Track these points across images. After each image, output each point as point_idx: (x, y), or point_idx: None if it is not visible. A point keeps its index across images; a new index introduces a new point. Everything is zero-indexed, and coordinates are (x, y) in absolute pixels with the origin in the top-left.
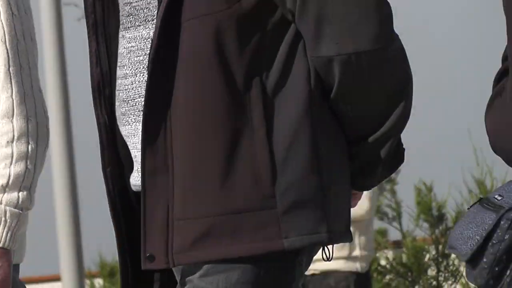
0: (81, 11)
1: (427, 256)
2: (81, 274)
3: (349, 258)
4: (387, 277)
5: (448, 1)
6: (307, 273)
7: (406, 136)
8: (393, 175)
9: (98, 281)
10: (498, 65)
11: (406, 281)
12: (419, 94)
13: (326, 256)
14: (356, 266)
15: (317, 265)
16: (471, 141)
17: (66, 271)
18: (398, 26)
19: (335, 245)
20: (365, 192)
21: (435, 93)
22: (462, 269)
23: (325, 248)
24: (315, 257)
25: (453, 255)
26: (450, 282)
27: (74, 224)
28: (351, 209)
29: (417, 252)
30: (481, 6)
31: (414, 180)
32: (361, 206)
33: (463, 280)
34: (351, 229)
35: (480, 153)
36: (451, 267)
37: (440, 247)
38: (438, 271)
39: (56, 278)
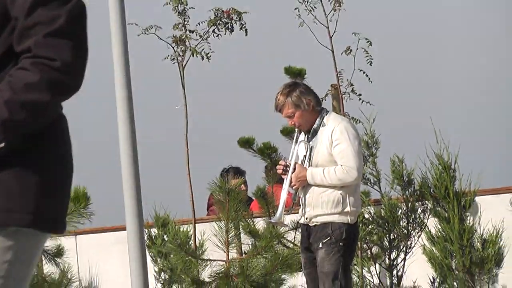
0: (141, 28)
1: (400, 211)
2: (141, 224)
3: (342, 213)
4: (370, 226)
5: None
6: (310, 223)
7: (381, 122)
8: (373, 150)
9: (154, 230)
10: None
11: (384, 230)
12: (395, 90)
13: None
14: (347, 219)
15: (319, 218)
16: (433, 125)
17: (130, 223)
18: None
19: (332, 201)
20: (355, 165)
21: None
22: (426, 221)
23: None
24: (317, 212)
25: (420, 209)
26: (417, 230)
27: (136, 186)
28: (344, 176)
29: (392, 208)
30: None
31: (390, 155)
32: (351, 174)
33: (426, 229)
34: (343, 193)
35: (439, 134)
36: (417, 219)
37: (410, 204)
38: (408, 222)
39: (123, 228)
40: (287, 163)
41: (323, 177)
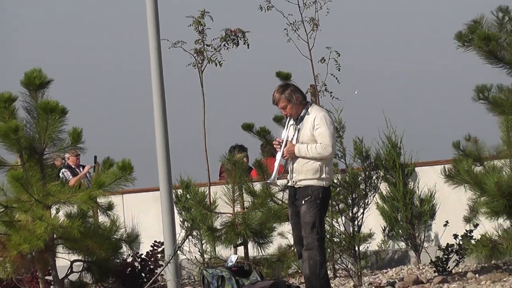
0: (171, 43)
1: (359, 177)
2: (171, 186)
3: (319, 179)
4: (337, 189)
5: None
6: (295, 185)
7: (346, 112)
8: (340, 133)
9: (179, 191)
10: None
11: (348, 191)
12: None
13: None
14: (323, 183)
15: (302, 182)
16: (384, 115)
17: (162, 185)
18: None
19: (312, 169)
20: (330, 143)
21: (364, 88)
22: (379, 185)
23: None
24: (301, 178)
25: (374, 177)
26: (372, 192)
27: (167, 159)
28: (322, 150)
29: (354, 176)
30: None
31: (352, 136)
32: (327, 149)
33: (379, 191)
34: (321, 164)
35: (388, 121)
36: (372, 184)
37: (367, 173)
38: (365, 186)
39: (157, 189)
40: (281, 141)
41: (307, 151)
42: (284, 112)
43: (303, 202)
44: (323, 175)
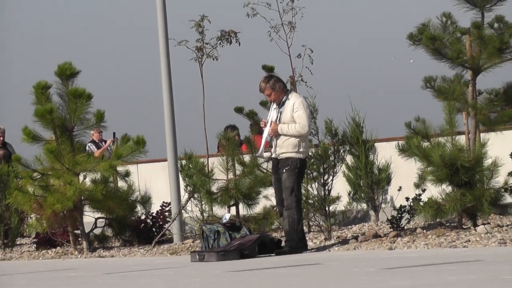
0: (176, 41)
1: (330, 151)
2: (176, 157)
3: (297, 152)
4: (312, 160)
5: None
6: (278, 157)
7: (319, 98)
8: (314, 115)
9: (183, 161)
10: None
11: (320, 162)
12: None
13: None
14: (300, 156)
15: (283, 155)
16: (350, 100)
17: (170, 157)
18: None
19: (292, 144)
20: (306, 123)
21: (333, 79)
22: (345, 157)
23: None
24: (282, 151)
25: (341, 150)
26: (339, 163)
27: (173, 135)
28: (300, 129)
29: (325, 149)
30: None
31: (324, 117)
32: (304, 128)
33: (345, 162)
34: (299, 140)
35: (354, 105)
36: (340, 156)
37: (335, 147)
38: (334, 158)
39: (165, 160)
40: (267, 121)
41: (288, 130)
42: (269, 98)
43: (284, 171)
44: (301, 149)
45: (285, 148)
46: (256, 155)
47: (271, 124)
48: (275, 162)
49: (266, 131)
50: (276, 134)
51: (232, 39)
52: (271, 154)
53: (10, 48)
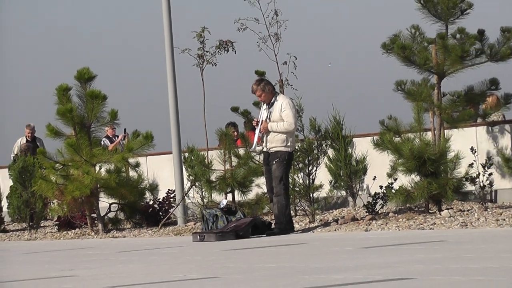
0: (180, 49)
1: (314, 145)
2: (180, 150)
3: (285, 146)
4: (298, 153)
5: None
6: (268, 151)
7: (304, 100)
8: (300, 114)
9: (186, 154)
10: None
11: (305, 155)
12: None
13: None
14: (288, 149)
15: (273, 149)
16: (331, 103)
17: (174, 150)
18: None
19: (280, 140)
20: (293, 121)
21: (316, 82)
22: (327, 150)
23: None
24: (272, 145)
25: (324, 145)
26: (322, 155)
27: (177, 131)
28: (287, 126)
29: (310, 144)
30: None
31: (309, 116)
32: (291, 126)
33: (327, 155)
34: (286, 136)
35: (335, 106)
36: (323, 150)
37: (318, 142)
38: (318, 151)
39: (170, 152)
40: (258, 120)
41: (277, 127)
42: (259, 98)
43: (274, 162)
44: (288, 144)
45: (275, 143)
46: (250, 150)
47: (262, 122)
48: (266, 155)
49: (258, 129)
50: (266, 131)
51: (229, 47)
52: (263, 148)
53: (31, 54)
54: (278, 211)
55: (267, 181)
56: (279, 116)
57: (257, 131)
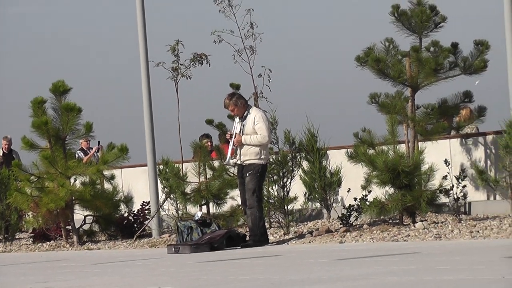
0: (154, 63)
1: (288, 157)
2: (155, 163)
3: (259, 159)
4: (273, 165)
5: None
6: (242, 163)
7: (278, 112)
8: (275, 126)
9: (161, 166)
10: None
11: (279, 167)
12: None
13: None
14: (262, 162)
15: (247, 162)
16: (306, 115)
17: (149, 162)
18: None
19: (254, 152)
20: (266, 134)
21: (290, 95)
22: (302, 163)
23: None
24: (246, 158)
25: (298, 157)
26: (297, 168)
27: (152, 143)
28: (261, 139)
29: (284, 156)
30: None
31: (283, 128)
32: (264, 139)
33: (302, 167)
34: (260, 148)
35: (310, 119)
36: (297, 162)
37: (293, 154)
38: (292, 163)
39: (145, 165)
40: (232, 133)
41: (251, 140)
42: (232, 113)
43: (247, 175)
44: (262, 156)
45: (249, 155)
46: (224, 163)
47: (235, 135)
48: (240, 168)
49: (232, 143)
50: (240, 144)
51: (203, 60)
52: (237, 161)
53: (6, 67)
54: (252, 223)
55: (241, 193)
56: (253, 129)
57: (230, 144)
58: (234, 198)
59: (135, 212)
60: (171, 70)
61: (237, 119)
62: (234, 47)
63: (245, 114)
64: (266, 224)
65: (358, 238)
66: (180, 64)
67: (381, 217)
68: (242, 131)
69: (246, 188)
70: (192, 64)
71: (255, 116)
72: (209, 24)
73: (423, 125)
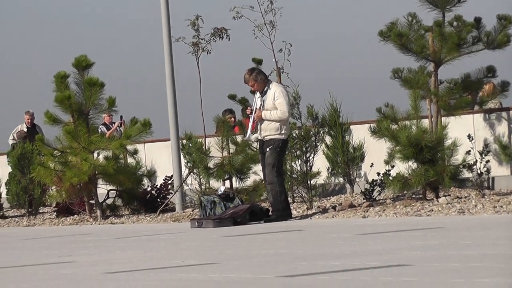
0: (175, 38)
1: (311, 132)
2: (178, 137)
3: (279, 134)
4: (296, 141)
5: None
6: (263, 139)
7: (301, 87)
8: (298, 101)
9: (184, 141)
10: None
11: (303, 142)
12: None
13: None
14: (282, 137)
15: (267, 137)
16: (329, 91)
17: (172, 137)
18: None
19: (274, 128)
20: (286, 110)
21: (312, 70)
22: (324, 138)
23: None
24: (266, 133)
25: (321, 132)
26: (320, 142)
27: (175, 119)
28: (281, 115)
29: (307, 131)
30: None
31: (306, 103)
32: (284, 114)
33: (325, 142)
34: (280, 124)
35: (332, 94)
36: (320, 137)
37: (316, 129)
38: (315, 138)
39: (168, 139)
40: (252, 108)
41: (270, 116)
42: (252, 88)
43: (268, 150)
44: (282, 131)
45: (269, 131)
46: (244, 138)
47: (255, 111)
48: (261, 143)
49: (252, 118)
50: (260, 120)
51: (223, 35)
52: (258, 136)
53: (30, 42)
54: (273, 199)
55: (263, 168)
56: (273, 104)
57: (251, 120)
58: (257, 172)
59: (158, 187)
60: (191, 45)
61: (257, 94)
62: (254, 23)
63: (265, 89)
64: (289, 199)
65: (381, 213)
66: (201, 39)
67: (404, 192)
68: (263, 107)
69: (266, 163)
70: (213, 38)
71: (275, 92)
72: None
73: (446, 100)
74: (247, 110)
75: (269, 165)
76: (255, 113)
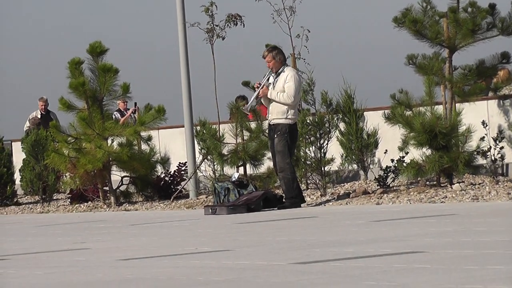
0: (189, 24)
1: (325, 119)
2: (192, 124)
3: (286, 118)
4: (309, 127)
5: None
6: (271, 123)
7: (316, 73)
8: (312, 87)
9: (198, 127)
10: None
11: (316, 128)
12: None
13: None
14: (289, 121)
15: (275, 121)
16: (343, 76)
17: (186, 123)
18: None
19: (281, 111)
20: (293, 94)
21: (328, 56)
22: (338, 124)
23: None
24: (273, 117)
25: (335, 118)
26: (334, 129)
27: (190, 105)
28: (286, 98)
29: (321, 117)
30: None
31: (320, 90)
32: (290, 99)
33: (339, 128)
34: (287, 108)
35: (346, 80)
36: (334, 123)
37: (330, 116)
38: (329, 125)
39: (182, 126)
40: (260, 83)
41: (276, 96)
42: (268, 64)
43: (275, 136)
44: (289, 116)
45: (275, 114)
46: (242, 108)
47: (263, 86)
48: (269, 128)
49: (257, 92)
50: (265, 96)
51: (237, 21)
52: (269, 121)
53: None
54: (285, 186)
55: (272, 155)
56: (282, 87)
57: (255, 93)
58: (271, 159)
59: (171, 173)
60: (206, 31)
61: (270, 72)
62: (274, 7)
63: (279, 71)
64: (303, 185)
65: (395, 200)
66: (216, 25)
67: (418, 179)
68: (273, 85)
69: (276, 150)
70: (227, 25)
71: (287, 75)
72: None
73: (461, 86)
74: (255, 85)
75: (278, 153)
76: (261, 88)
